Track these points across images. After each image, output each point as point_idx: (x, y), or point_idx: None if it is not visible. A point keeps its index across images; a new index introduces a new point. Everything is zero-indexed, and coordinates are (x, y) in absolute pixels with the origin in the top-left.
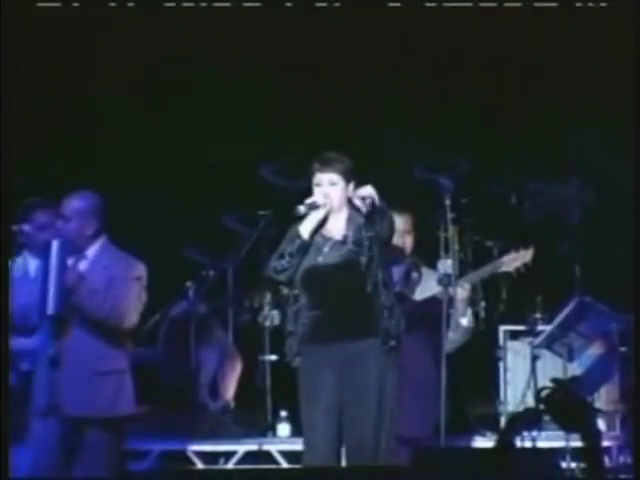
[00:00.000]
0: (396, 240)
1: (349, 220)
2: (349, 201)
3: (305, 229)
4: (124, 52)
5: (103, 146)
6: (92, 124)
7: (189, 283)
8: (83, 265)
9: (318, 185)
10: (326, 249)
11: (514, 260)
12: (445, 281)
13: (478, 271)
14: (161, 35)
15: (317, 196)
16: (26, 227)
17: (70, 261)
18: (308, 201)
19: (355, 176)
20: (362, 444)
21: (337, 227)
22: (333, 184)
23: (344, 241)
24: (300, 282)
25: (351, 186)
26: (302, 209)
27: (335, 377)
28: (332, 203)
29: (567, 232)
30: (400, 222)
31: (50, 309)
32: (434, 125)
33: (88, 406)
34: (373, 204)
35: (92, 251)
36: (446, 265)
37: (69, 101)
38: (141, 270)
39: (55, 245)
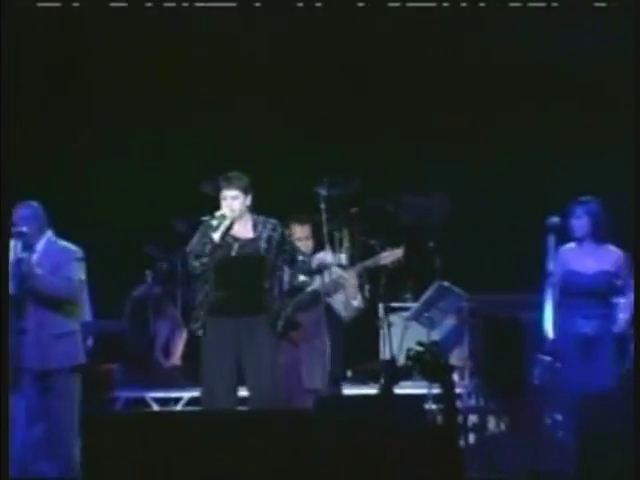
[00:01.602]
0: (300, 245)
1: (253, 225)
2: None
3: (217, 235)
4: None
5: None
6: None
7: (148, 271)
8: (35, 257)
9: (224, 199)
10: (236, 246)
11: (389, 256)
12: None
13: (363, 263)
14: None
15: (224, 209)
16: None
17: (24, 255)
18: (218, 214)
19: (252, 189)
20: (258, 395)
21: (243, 230)
22: (235, 198)
23: (251, 240)
24: (213, 270)
25: (249, 197)
26: (215, 222)
27: (232, 345)
28: (235, 213)
29: (431, 233)
30: (302, 230)
31: (11, 290)
32: (332, 150)
33: (49, 362)
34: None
35: (40, 245)
36: (339, 258)
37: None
38: (79, 253)
39: (12, 244)
